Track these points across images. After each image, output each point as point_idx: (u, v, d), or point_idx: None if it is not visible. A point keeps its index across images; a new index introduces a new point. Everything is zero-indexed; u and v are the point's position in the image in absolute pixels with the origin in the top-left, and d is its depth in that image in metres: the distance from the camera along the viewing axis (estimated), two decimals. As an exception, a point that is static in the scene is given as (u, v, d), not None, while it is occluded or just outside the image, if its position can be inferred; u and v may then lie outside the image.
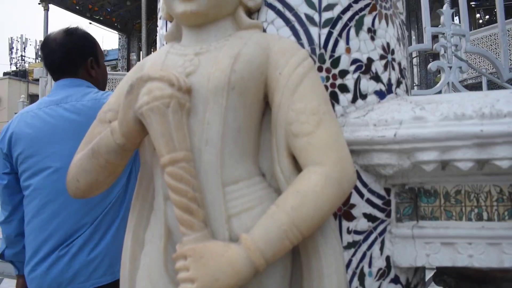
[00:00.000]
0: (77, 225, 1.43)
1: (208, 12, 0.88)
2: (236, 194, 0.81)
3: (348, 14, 0.98)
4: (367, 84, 0.99)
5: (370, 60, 1.00)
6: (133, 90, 0.80)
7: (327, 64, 0.96)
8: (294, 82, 0.82)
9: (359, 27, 0.99)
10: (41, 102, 1.58)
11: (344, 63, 0.97)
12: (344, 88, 0.97)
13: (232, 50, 0.84)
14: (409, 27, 13.32)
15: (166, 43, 1.02)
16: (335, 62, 0.96)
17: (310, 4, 0.96)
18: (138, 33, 15.19)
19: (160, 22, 1.15)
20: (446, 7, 2.04)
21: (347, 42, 0.98)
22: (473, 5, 13.67)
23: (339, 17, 0.97)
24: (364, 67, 0.99)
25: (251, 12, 0.96)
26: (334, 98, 0.96)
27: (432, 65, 1.97)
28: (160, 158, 0.77)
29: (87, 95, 1.55)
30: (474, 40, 9.19)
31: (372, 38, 1.01)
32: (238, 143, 0.83)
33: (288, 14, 0.95)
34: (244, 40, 0.87)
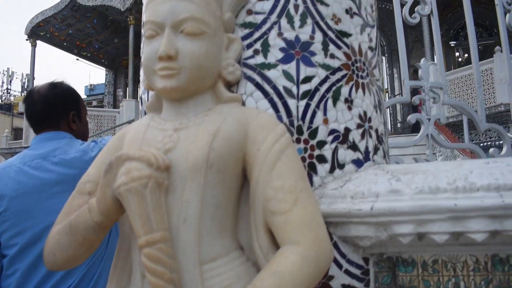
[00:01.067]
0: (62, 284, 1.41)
1: (188, 88, 0.90)
2: (214, 272, 0.81)
3: (326, 85, 1.01)
4: (344, 154, 1.01)
5: (347, 130, 1.03)
6: (112, 169, 0.80)
7: (305, 135, 0.98)
8: (271, 159, 0.83)
9: (336, 98, 1.02)
10: (24, 156, 1.56)
11: (321, 134, 0.99)
12: (322, 159, 0.99)
13: (211, 127, 0.86)
14: (391, 65, 13.68)
15: (146, 113, 1.04)
16: (313, 133, 0.98)
17: (288, 77, 0.99)
18: (125, 69, 15.32)
19: (142, 87, 1.17)
20: (423, 61, 2.11)
21: (325, 113, 1.00)
22: (452, 45, 14.14)
23: (316, 89, 1.00)
24: (342, 137, 1.01)
25: (230, 85, 0.98)
26: (312, 169, 0.98)
27: (411, 118, 2.01)
28: (138, 238, 0.77)
29: (73, 147, 1.55)
30: (453, 80, 9.45)
31: (349, 108, 1.04)
32: (216, 219, 0.83)
33: (266, 86, 0.98)
34: (223, 115, 0.89)
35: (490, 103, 8.78)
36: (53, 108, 1.61)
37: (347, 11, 1.09)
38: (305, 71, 1.00)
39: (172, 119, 0.92)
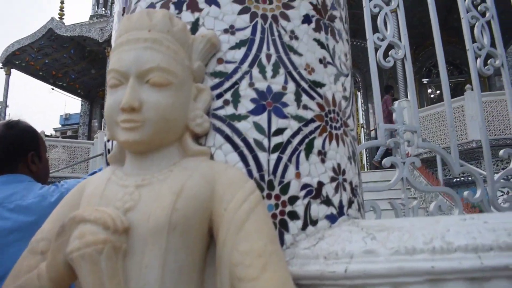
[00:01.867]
0: None
1: (152, 141, 0.85)
2: None
3: (298, 137, 0.98)
4: (317, 209, 0.97)
5: (320, 184, 0.98)
6: (64, 232, 0.73)
7: (276, 191, 0.93)
8: (239, 219, 0.78)
9: (309, 150, 0.98)
10: None
11: (293, 189, 0.95)
12: (294, 215, 0.94)
13: (175, 184, 0.80)
14: (366, 101, 13.95)
15: (109, 164, 0.97)
16: (285, 188, 0.94)
17: (259, 129, 0.95)
18: (102, 100, 15.21)
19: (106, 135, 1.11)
20: (397, 104, 2.11)
21: (297, 167, 0.96)
22: (424, 82, 14.57)
23: (288, 142, 0.96)
24: (315, 192, 0.97)
25: (198, 137, 0.93)
26: (283, 226, 0.93)
27: (386, 161, 1.99)
28: (90, 310, 0.70)
29: (32, 191, 1.46)
30: (426, 117, 9.65)
31: (323, 161, 1.00)
32: (179, 286, 0.77)
33: (236, 139, 0.94)
34: (189, 171, 0.83)
35: (462, 140, 8.97)
36: (10, 150, 1.53)
37: (320, 61, 1.07)
38: (277, 122, 0.96)
39: (134, 173, 0.86)
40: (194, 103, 0.91)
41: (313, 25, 1.08)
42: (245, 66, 0.98)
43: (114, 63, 0.88)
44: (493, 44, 2.49)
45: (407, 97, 10.71)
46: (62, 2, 16.53)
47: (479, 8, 2.50)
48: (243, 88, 0.96)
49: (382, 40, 2.15)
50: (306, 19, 1.07)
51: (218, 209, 0.80)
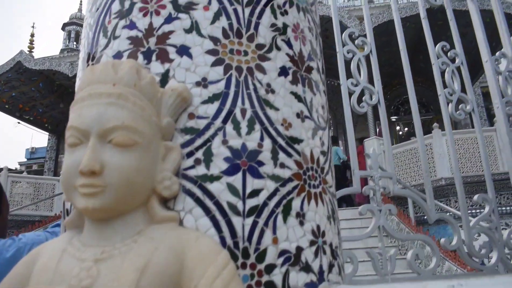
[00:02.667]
0: None
1: (115, 208, 0.76)
2: None
3: (275, 199, 0.91)
4: (296, 277, 0.89)
5: (299, 249, 0.91)
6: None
7: (252, 259, 0.85)
8: (211, 298, 0.69)
9: (287, 213, 0.91)
10: None
11: (270, 256, 0.86)
12: (271, 286, 0.85)
13: (140, 259, 0.71)
14: (337, 139, 14.11)
15: (66, 230, 0.87)
16: (261, 256, 0.86)
17: (233, 191, 0.87)
18: (70, 135, 14.76)
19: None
20: (372, 151, 2.08)
21: (274, 232, 0.88)
22: (393, 120, 14.92)
23: (265, 204, 0.89)
24: (293, 258, 0.89)
25: (166, 200, 0.85)
26: (260, 299, 0.84)
27: (362, 209, 1.94)
28: None
29: None
30: (396, 154, 9.80)
31: (301, 223, 0.93)
32: None
33: (208, 202, 0.86)
34: (155, 242, 0.74)
35: (431, 177, 9.12)
36: None
37: (298, 115, 1.01)
38: (252, 183, 0.89)
39: (94, 244, 0.77)
40: (162, 164, 0.83)
41: (290, 77, 1.03)
42: (218, 122, 0.91)
43: (74, 120, 0.80)
44: (463, 89, 2.53)
45: (376, 134, 10.91)
46: (32, 35, 16.34)
47: (448, 54, 2.55)
48: (216, 146, 0.89)
49: (356, 85, 2.14)
50: (283, 71, 1.02)
51: (187, 286, 0.71)
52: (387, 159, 2.14)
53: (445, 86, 2.49)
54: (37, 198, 10.58)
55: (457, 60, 2.56)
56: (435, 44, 2.57)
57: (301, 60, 1.08)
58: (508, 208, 8.76)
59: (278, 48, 1.03)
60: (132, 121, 0.78)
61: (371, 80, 2.25)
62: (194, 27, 0.98)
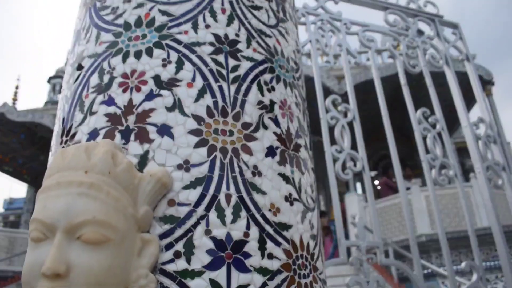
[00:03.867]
0: None
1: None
2: None
3: (263, 295, 0.82)
4: None
5: None
6: None
7: None
8: None
9: (275, 310, 0.82)
10: None
11: None
12: None
13: None
14: (325, 213, 14.07)
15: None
16: None
17: (217, 288, 0.78)
18: (45, 188, 14.38)
19: None
20: (358, 219, 2.02)
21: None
22: (372, 175, 15.03)
23: (251, 302, 0.80)
24: None
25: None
26: None
27: (350, 281, 1.84)
28: None
29: None
30: (380, 208, 9.77)
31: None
32: None
33: (188, 302, 0.76)
34: None
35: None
36: None
37: (286, 198, 0.95)
38: (237, 278, 0.80)
39: None
40: (138, 260, 0.75)
41: (277, 157, 0.97)
42: (200, 210, 0.83)
43: (38, 212, 0.71)
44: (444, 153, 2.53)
45: (355, 190, 10.93)
46: (16, 87, 16.27)
47: (429, 120, 2.58)
48: (198, 237, 0.81)
49: (340, 152, 2.11)
50: (270, 152, 0.96)
51: None
52: (374, 227, 2.07)
53: (427, 151, 2.49)
54: (11, 251, 10.05)
55: (437, 126, 2.58)
56: (411, 106, 2.59)
57: (289, 138, 1.03)
58: (487, 263, 8.70)
59: (265, 127, 0.98)
60: (105, 215, 0.70)
61: (354, 145, 2.23)
62: (176, 105, 0.93)
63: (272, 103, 1.03)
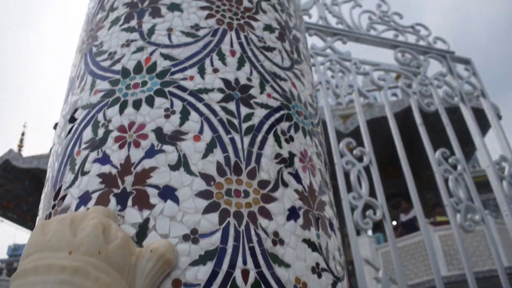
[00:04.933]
0: None
1: None
2: None
3: None
4: None
5: None
6: None
7: None
8: None
9: None
10: None
11: None
12: None
13: None
14: (345, 262, 13.76)
15: None
16: None
17: None
18: (49, 235, 14.19)
19: None
20: (382, 274, 1.84)
21: None
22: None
23: None
24: None
25: None
26: None
27: None
28: None
29: None
30: (388, 252, 9.43)
31: None
32: None
33: None
34: None
35: (428, 275, 8.68)
36: None
37: (313, 270, 0.79)
38: None
39: None
40: None
41: (301, 220, 0.82)
42: (212, 292, 0.68)
43: None
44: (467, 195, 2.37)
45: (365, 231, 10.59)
46: (22, 134, 16.37)
47: (449, 160, 2.43)
48: (209, 328, 0.65)
49: (358, 199, 1.95)
50: (293, 214, 0.82)
51: None
52: (399, 281, 1.88)
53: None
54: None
55: (459, 167, 2.43)
56: (429, 147, 2.45)
57: (312, 195, 0.89)
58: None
59: (285, 184, 0.84)
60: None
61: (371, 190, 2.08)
62: (182, 162, 0.79)
63: (292, 155, 0.89)
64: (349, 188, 2.02)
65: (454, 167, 2.45)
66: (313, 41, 2.46)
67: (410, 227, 9.78)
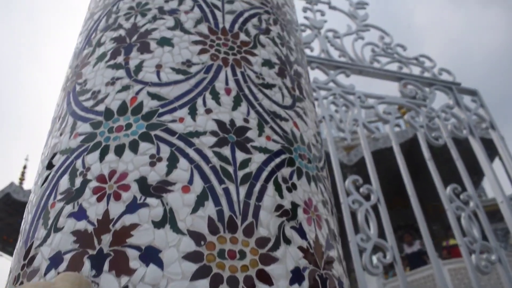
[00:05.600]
0: None
1: None
2: None
3: None
4: None
5: None
6: None
7: None
8: None
9: None
10: None
11: None
12: None
13: None
14: None
15: None
16: None
17: None
18: (47, 272, 13.94)
19: None
20: None
21: None
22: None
23: None
24: None
25: None
26: None
27: None
28: None
29: None
30: (396, 286, 9.13)
31: None
32: None
33: None
34: None
35: (438, 312, 8.36)
36: None
37: None
38: None
39: None
40: None
41: (306, 283, 0.71)
42: None
43: None
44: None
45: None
46: (24, 167, 16.33)
47: (461, 197, 2.31)
48: None
49: (366, 241, 1.83)
50: (296, 276, 0.70)
51: None
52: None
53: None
54: None
55: (471, 204, 2.31)
56: (439, 183, 2.34)
57: (319, 252, 0.77)
58: None
59: (288, 241, 0.73)
60: None
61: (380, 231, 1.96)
62: (168, 218, 0.68)
63: (295, 206, 0.79)
64: (356, 227, 1.90)
65: (466, 203, 2.33)
66: (315, 74, 2.39)
67: (414, 259, 9.51)
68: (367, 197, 1.99)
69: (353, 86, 2.38)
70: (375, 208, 1.99)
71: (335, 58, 2.56)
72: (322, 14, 2.83)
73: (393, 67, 2.80)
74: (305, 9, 2.80)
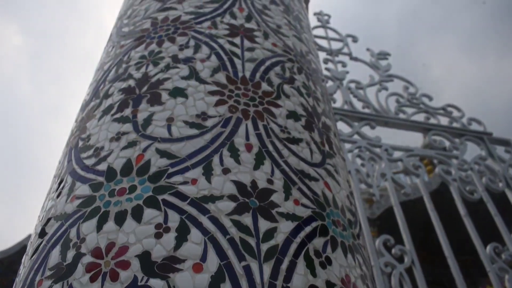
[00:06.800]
0: None
1: None
2: None
3: None
4: None
5: None
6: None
7: None
8: None
9: None
10: None
11: None
12: None
13: None
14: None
15: None
16: None
17: None
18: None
19: None
20: None
21: None
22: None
23: None
24: None
25: None
26: None
27: None
28: None
29: None
30: None
31: None
32: None
33: None
34: None
35: None
36: None
37: None
38: None
39: None
40: None
41: None
42: None
43: None
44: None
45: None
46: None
47: (503, 257, 2.10)
48: None
49: (403, 310, 1.63)
50: None
51: None
52: None
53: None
54: None
55: (515, 266, 2.09)
56: (478, 242, 2.14)
57: None
58: None
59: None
60: None
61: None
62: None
63: (330, 286, 0.64)
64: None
65: (510, 263, 2.11)
66: (339, 127, 2.28)
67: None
68: (400, 259, 1.81)
69: (380, 138, 2.26)
70: (409, 270, 1.81)
71: (358, 109, 2.45)
72: (344, 65, 2.77)
73: (419, 117, 2.68)
74: (326, 61, 2.74)
